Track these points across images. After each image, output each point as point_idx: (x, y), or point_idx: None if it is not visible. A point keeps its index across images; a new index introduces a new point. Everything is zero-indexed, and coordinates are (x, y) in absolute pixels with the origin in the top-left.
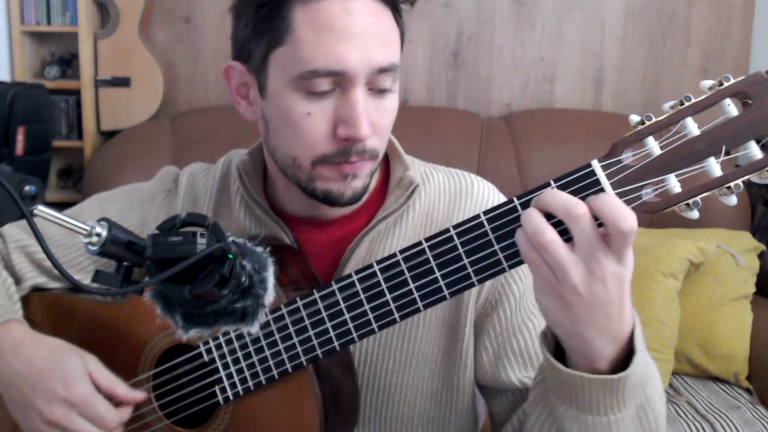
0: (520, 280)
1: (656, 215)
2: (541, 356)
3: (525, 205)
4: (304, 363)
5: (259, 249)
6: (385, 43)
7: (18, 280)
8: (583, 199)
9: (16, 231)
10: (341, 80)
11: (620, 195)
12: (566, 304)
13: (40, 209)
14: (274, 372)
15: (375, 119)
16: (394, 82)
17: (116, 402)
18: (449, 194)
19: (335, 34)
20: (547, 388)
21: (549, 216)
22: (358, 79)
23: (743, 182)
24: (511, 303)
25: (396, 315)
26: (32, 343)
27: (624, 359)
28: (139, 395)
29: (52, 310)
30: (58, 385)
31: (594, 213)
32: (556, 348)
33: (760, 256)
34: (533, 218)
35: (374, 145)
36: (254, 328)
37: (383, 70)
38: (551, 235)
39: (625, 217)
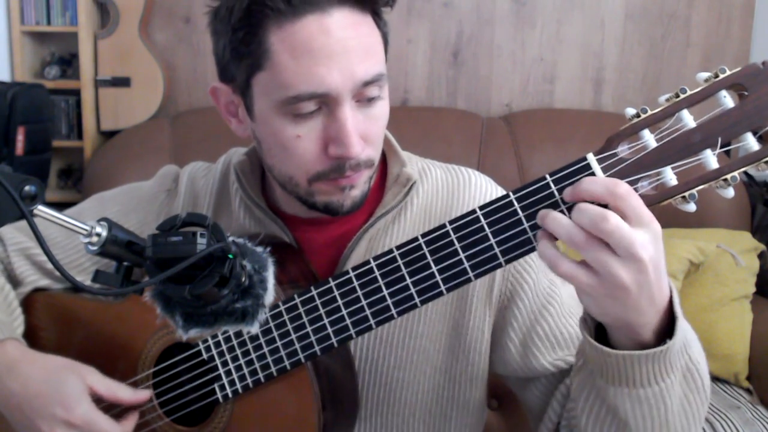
0: (530, 266)
1: (655, 214)
2: (573, 337)
3: (520, 200)
4: (303, 360)
5: (259, 249)
6: (368, 55)
7: (18, 283)
8: (550, 205)
9: (15, 233)
10: (326, 100)
11: None
12: (613, 299)
13: (40, 209)
14: (273, 369)
15: (366, 130)
16: (382, 89)
17: (122, 407)
18: (447, 189)
19: (314, 56)
20: (591, 372)
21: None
22: (343, 98)
23: (742, 179)
24: (528, 291)
25: (393, 311)
26: (28, 364)
27: (665, 325)
28: (143, 395)
29: (54, 311)
30: (58, 408)
31: (590, 198)
32: (597, 328)
33: (760, 256)
34: (544, 246)
35: (368, 155)
36: (254, 328)
37: (368, 83)
38: (593, 244)
39: (615, 182)
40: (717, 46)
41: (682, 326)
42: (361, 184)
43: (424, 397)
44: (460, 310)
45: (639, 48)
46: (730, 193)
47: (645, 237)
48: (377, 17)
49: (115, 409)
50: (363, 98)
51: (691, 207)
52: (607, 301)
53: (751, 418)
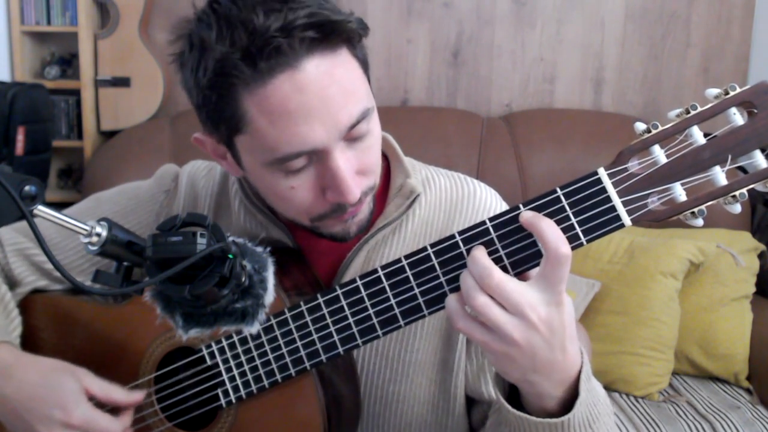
0: None
1: None
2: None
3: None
4: (308, 368)
5: (259, 249)
6: (349, 97)
7: (17, 284)
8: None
9: (13, 234)
10: (315, 153)
11: (626, 203)
12: (509, 357)
13: (40, 209)
14: (278, 376)
15: (360, 165)
16: (370, 121)
17: (117, 408)
18: (450, 200)
19: (293, 117)
20: (500, 421)
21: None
22: (331, 148)
23: (747, 190)
24: None
25: (401, 321)
26: (22, 368)
27: (573, 398)
28: (137, 396)
29: (54, 313)
30: (56, 410)
31: (537, 234)
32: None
33: (760, 256)
34: (451, 301)
35: (367, 185)
36: (254, 329)
37: (354, 124)
38: (482, 299)
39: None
40: (717, 46)
41: (586, 402)
42: (364, 209)
43: (419, 409)
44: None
45: (639, 48)
46: (737, 208)
47: (535, 296)
48: (351, 47)
49: (106, 408)
50: (352, 137)
51: (699, 222)
52: (505, 360)
53: (751, 418)
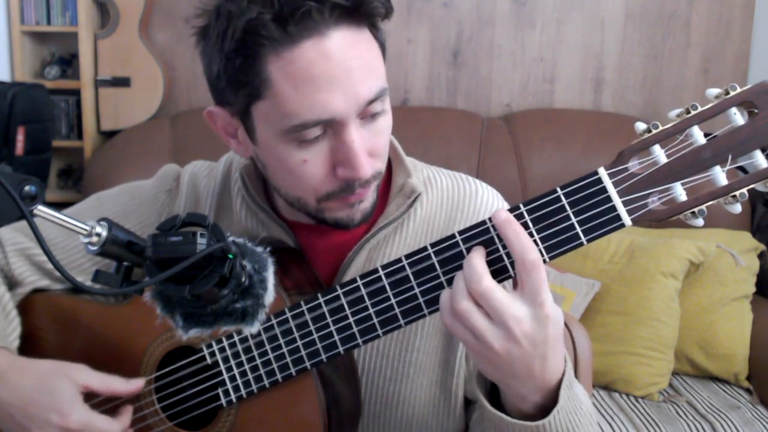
0: None
1: None
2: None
3: (531, 212)
4: (309, 367)
5: (259, 249)
6: (370, 72)
7: (18, 284)
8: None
9: (13, 234)
10: (332, 124)
11: (626, 203)
12: (488, 360)
13: (40, 209)
14: (278, 376)
15: (372, 146)
16: (385, 102)
17: (115, 408)
18: (452, 200)
19: (316, 83)
20: (482, 417)
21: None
22: (348, 120)
23: (747, 190)
24: None
25: (401, 320)
26: (16, 372)
27: (552, 404)
28: (137, 384)
29: (54, 313)
30: (53, 414)
31: (504, 240)
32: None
33: (760, 256)
34: (443, 296)
35: (376, 169)
36: (254, 328)
37: (372, 101)
38: (465, 304)
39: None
40: (717, 46)
41: (565, 409)
42: (369, 196)
43: (420, 409)
44: None
45: (639, 48)
46: (737, 208)
47: (521, 310)
48: (374, 29)
49: (107, 405)
50: (367, 115)
51: (699, 222)
52: (484, 361)
53: (751, 418)
